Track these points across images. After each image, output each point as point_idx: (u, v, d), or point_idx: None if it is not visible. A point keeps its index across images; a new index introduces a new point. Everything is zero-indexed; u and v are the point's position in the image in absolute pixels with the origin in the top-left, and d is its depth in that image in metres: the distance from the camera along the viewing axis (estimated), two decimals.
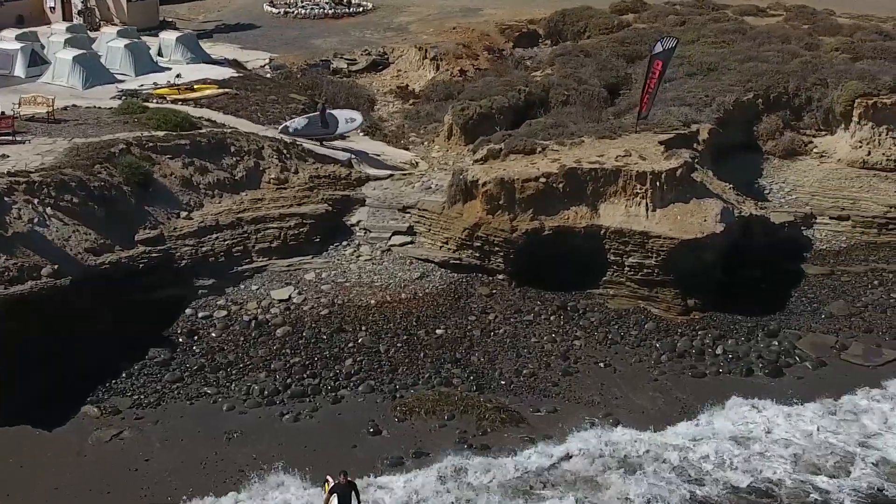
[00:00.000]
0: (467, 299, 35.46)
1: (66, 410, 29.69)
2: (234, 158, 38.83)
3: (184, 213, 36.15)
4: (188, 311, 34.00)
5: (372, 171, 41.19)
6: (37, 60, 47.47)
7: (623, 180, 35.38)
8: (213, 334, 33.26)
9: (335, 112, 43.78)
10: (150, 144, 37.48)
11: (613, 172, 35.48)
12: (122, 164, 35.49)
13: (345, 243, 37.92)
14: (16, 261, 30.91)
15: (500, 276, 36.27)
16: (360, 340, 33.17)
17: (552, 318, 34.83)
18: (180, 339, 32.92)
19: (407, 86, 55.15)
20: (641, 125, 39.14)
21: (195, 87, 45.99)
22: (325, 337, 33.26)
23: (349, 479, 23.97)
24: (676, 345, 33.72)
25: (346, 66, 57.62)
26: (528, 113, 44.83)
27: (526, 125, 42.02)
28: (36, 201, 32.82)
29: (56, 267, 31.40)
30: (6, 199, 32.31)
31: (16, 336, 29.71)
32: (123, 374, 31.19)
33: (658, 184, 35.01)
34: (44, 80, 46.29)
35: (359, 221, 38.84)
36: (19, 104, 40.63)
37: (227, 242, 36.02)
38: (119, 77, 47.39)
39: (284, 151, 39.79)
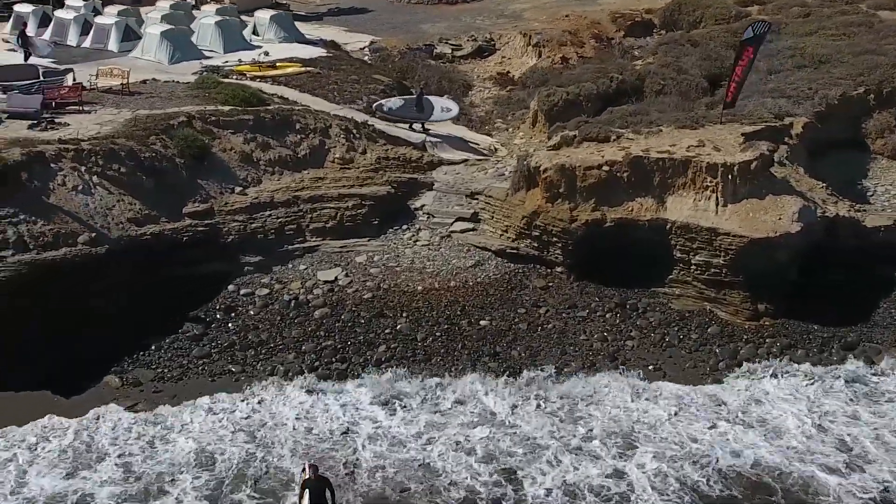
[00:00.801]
0: (520, 291, 33.54)
1: (88, 380, 29.25)
2: (299, 136, 37.95)
3: (238, 189, 35.41)
4: (230, 287, 33.19)
5: (446, 156, 39.73)
6: (130, 35, 47.85)
7: (692, 172, 32.80)
8: (251, 312, 32.35)
9: (433, 98, 42.64)
10: (213, 118, 36.97)
11: (683, 163, 32.93)
12: (178, 137, 35.01)
13: (405, 227, 36.52)
14: (52, 226, 30.73)
15: (559, 269, 34.21)
16: (398, 327, 31.72)
17: (608, 315, 32.60)
18: (217, 315, 32.12)
19: (508, 72, 53.52)
20: (727, 116, 36.34)
21: (277, 64, 45.46)
22: (363, 321, 31.93)
23: (320, 474, 22.47)
24: (739, 352, 30.98)
25: (450, 51, 56.43)
26: (619, 101, 42.53)
27: (607, 112, 39.83)
28: (83, 169, 32.60)
29: (93, 235, 31.13)
30: (52, 165, 32.18)
31: (46, 302, 29.52)
32: (153, 347, 30.59)
33: (730, 177, 32.28)
34: (134, 55, 46.57)
35: (423, 206, 37.41)
36: (97, 76, 40.86)
37: (279, 220, 35.09)
38: (207, 53, 47.28)
39: (353, 131, 38.71)
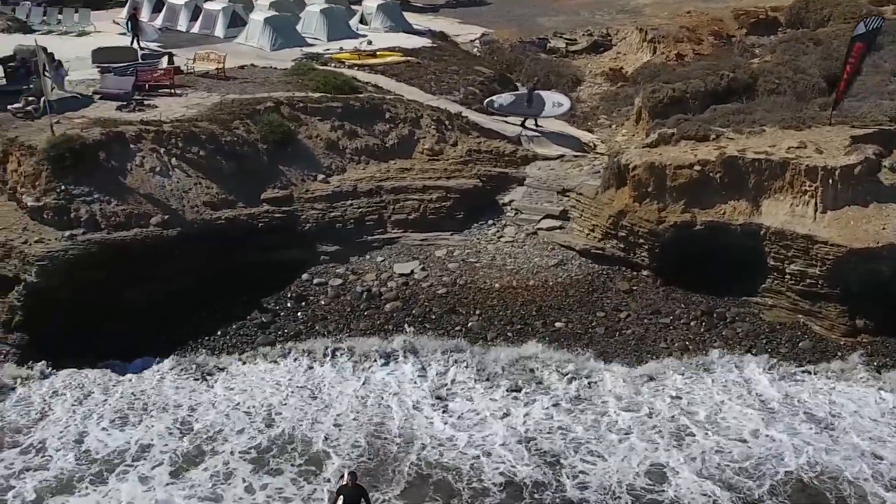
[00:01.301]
0: (602, 293, 31.97)
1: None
2: (388, 125, 37.16)
3: (321, 177, 34.80)
4: (304, 276, 32.59)
5: (541, 151, 38.37)
6: (237, 21, 47.95)
7: (791, 175, 30.66)
8: (322, 302, 31.68)
9: (544, 93, 41.35)
10: (301, 105, 36.47)
11: (780, 165, 30.82)
12: (263, 122, 34.60)
13: (490, 222, 35.36)
14: (126, 207, 30.64)
15: (645, 272, 32.50)
16: (469, 325, 30.59)
17: (692, 323, 30.75)
18: (288, 304, 31.55)
19: (621, 68, 51.78)
20: (838, 117, 33.96)
21: (377, 53, 44.76)
22: (433, 317, 30.91)
23: (358, 482, 21.52)
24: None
25: (564, 45, 55.04)
26: (729, 100, 40.32)
27: (710, 110, 37.77)
28: (162, 151, 32.48)
29: (166, 217, 30.93)
30: (132, 146, 32.12)
31: (115, 282, 29.44)
32: (219, 332, 30.16)
33: (831, 181, 30.05)
34: (238, 41, 46.63)
35: (511, 201, 36.18)
36: (194, 60, 40.91)
37: (360, 210, 34.34)
38: (310, 41, 46.99)
39: (446, 122, 37.71)
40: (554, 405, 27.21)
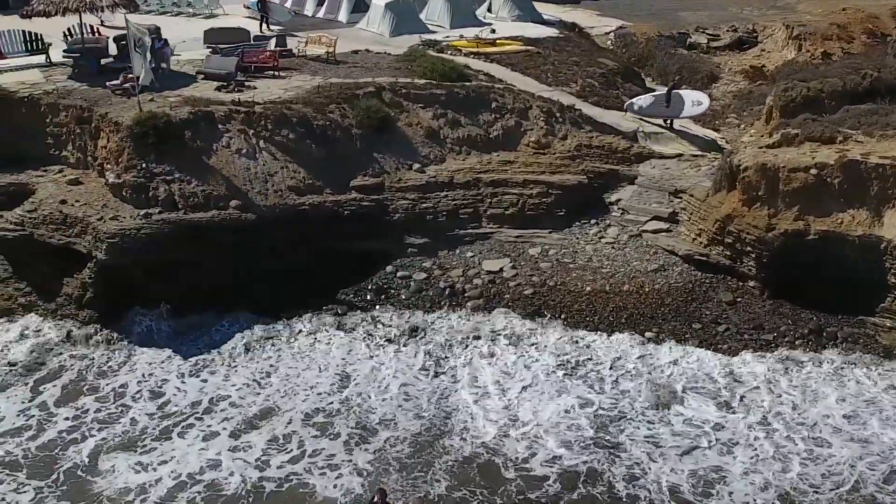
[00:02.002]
0: (701, 304, 29.55)
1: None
2: (494, 115, 35.56)
3: (416, 165, 33.45)
4: (388, 268, 31.32)
5: (657, 148, 36.06)
6: (360, 7, 47.10)
7: None
8: (402, 296, 30.39)
9: (682, 92, 39.20)
10: (404, 91, 35.22)
11: None
12: (360, 107, 33.51)
13: (593, 221, 33.30)
14: (206, 187, 29.97)
15: (752, 283, 29.88)
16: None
17: (797, 342, 28.04)
18: (368, 296, 30.40)
19: (762, 66, 48.60)
20: None
21: (497, 42, 43.09)
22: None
23: (387, 500, 20.11)
24: None
25: (705, 41, 52.26)
26: (868, 102, 36.99)
27: (842, 111, 34.53)
28: (251, 132, 31.72)
29: (247, 200, 30.17)
30: (220, 126, 31.48)
31: (189, 264, 28.85)
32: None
33: None
34: (360, 26, 45.85)
35: (618, 200, 34.03)
36: (306, 43, 40.23)
37: (454, 202, 32.82)
38: (432, 28, 45.76)
39: (557, 114, 35.85)
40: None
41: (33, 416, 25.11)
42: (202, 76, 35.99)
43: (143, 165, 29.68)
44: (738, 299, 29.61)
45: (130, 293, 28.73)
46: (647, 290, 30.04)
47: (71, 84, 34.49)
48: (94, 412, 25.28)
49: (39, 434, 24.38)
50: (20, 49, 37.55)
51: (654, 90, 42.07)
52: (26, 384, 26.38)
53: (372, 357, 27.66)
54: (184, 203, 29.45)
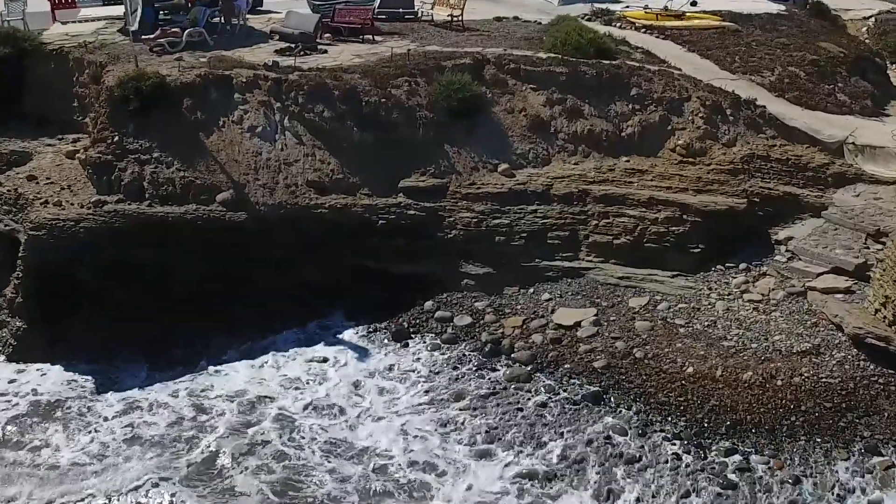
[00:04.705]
0: (863, 415, 18.79)
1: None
2: (632, 106, 25.89)
3: (504, 166, 24.49)
4: (427, 303, 22.74)
5: (872, 168, 24.92)
6: None
7: None
8: (426, 346, 21.75)
9: None
10: (513, 66, 26.27)
11: None
12: (441, 83, 24.96)
13: (742, 266, 23.10)
14: (188, 174, 22.67)
15: None
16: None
17: None
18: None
19: None
20: None
21: (687, 14, 32.92)
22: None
23: None
24: None
25: None
26: None
27: None
28: (275, 105, 24.00)
29: (241, 195, 22.62)
30: (237, 95, 24.03)
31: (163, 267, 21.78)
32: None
33: None
34: None
35: (789, 239, 23.53)
36: (432, 6, 32.20)
37: (544, 221, 23.64)
38: None
39: (726, 111, 25.70)
40: None
41: None
42: (277, 36, 28.77)
43: (116, 138, 22.76)
44: None
45: (76, 300, 21.81)
46: (780, 383, 19.55)
47: (115, 38, 28.39)
48: None
49: None
50: None
51: None
52: None
53: None
54: (153, 191, 22.26)
